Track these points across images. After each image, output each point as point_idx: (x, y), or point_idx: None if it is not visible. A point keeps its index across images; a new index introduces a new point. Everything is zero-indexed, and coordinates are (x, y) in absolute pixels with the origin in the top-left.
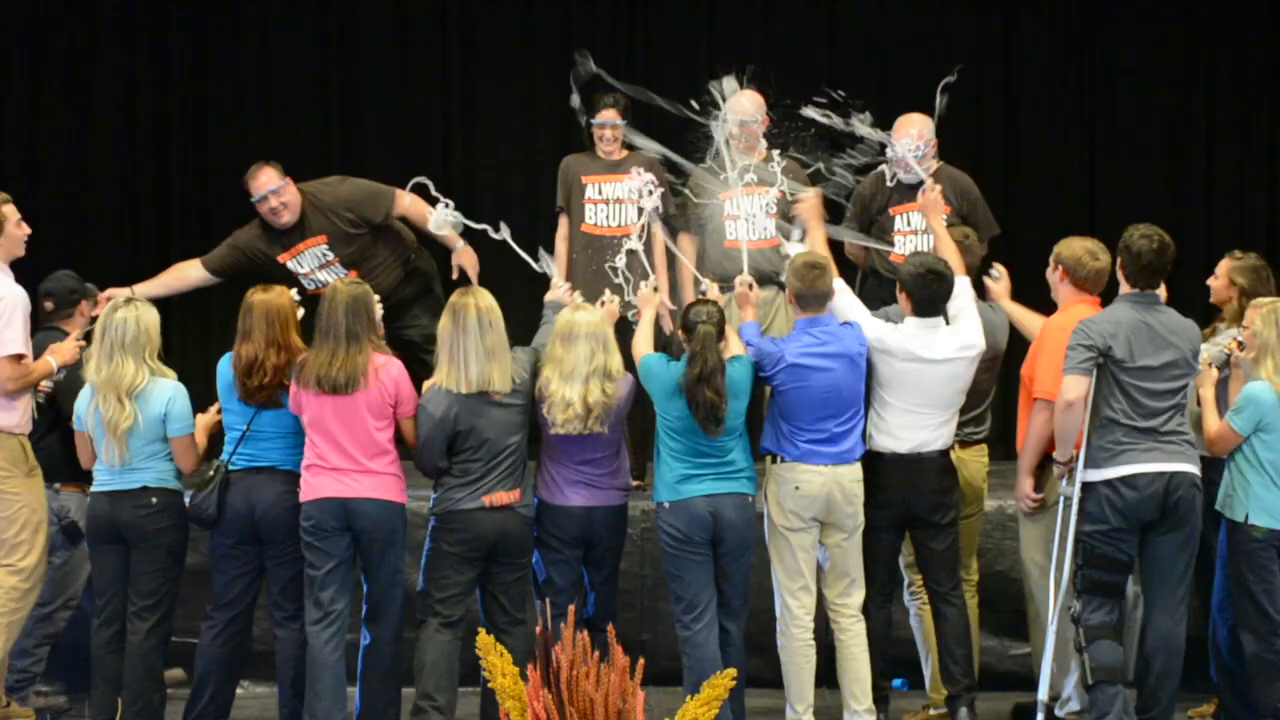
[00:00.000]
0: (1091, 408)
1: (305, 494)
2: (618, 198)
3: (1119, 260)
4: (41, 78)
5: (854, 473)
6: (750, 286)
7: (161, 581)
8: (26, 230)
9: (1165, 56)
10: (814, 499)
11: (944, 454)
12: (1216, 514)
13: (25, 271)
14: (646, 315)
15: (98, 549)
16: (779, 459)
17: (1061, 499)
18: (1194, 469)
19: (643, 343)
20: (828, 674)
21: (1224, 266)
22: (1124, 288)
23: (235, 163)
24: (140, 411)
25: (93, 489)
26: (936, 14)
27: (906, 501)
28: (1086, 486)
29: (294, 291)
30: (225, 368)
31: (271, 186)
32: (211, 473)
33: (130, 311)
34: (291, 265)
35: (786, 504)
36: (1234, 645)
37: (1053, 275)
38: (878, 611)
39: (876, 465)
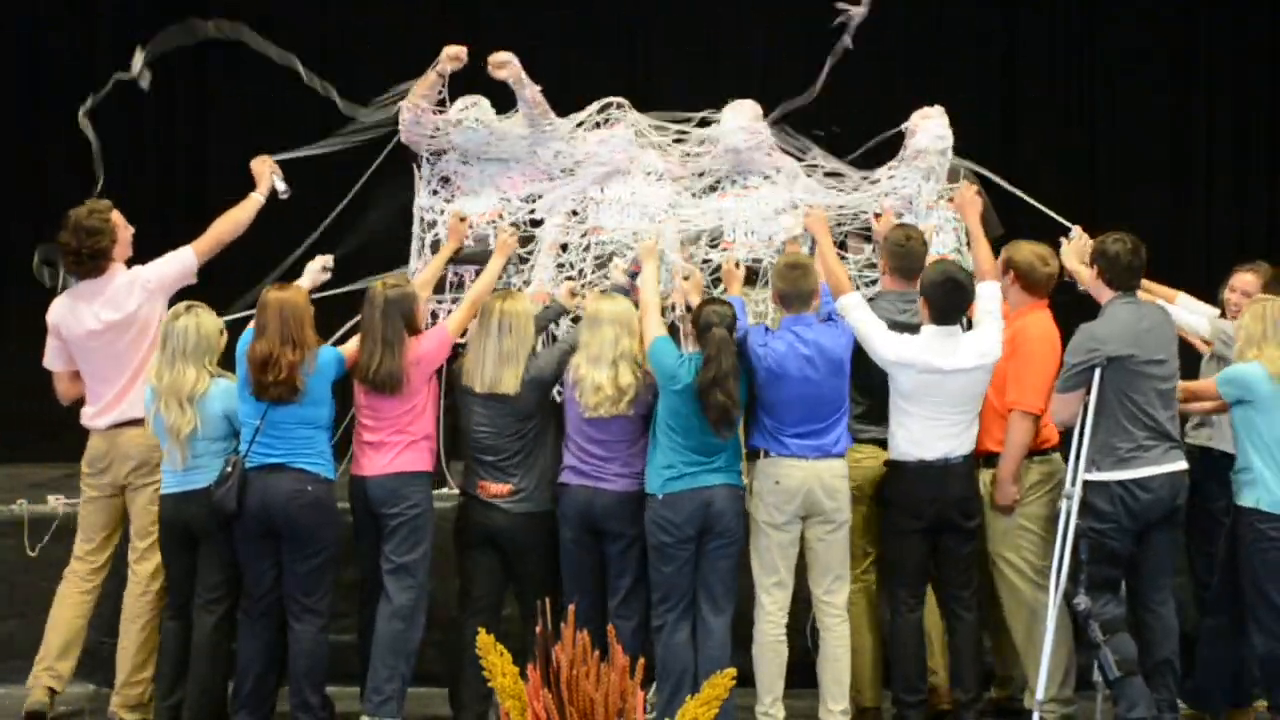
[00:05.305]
0: (1099, 407)
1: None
2: None
3: (1096, 268)
4: (42, 77)
5: (836, 467)
6: (736, 264)
7: (227, 574)
8: (131, 230)
9: (1165, 57)
10: (793, 493)
11: (968, 459)
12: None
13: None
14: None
15: (170, 549)
16: (766, 454)
17: (1064, 501)
18: (1186, 464)
19: (654, 324)
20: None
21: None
22: (1105, 293)
23: (235, 163)
24: (200, 415)
25: (160, 492)
26: (936, 14)
27: (936, 508)
28: (1096, 485)
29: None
30: (243, 354)
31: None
32: (230, 468)
33: (191, 319)
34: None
35: (767, 498)
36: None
37: (1003, 279)
38: (909, 614)
39: (905, 473)
